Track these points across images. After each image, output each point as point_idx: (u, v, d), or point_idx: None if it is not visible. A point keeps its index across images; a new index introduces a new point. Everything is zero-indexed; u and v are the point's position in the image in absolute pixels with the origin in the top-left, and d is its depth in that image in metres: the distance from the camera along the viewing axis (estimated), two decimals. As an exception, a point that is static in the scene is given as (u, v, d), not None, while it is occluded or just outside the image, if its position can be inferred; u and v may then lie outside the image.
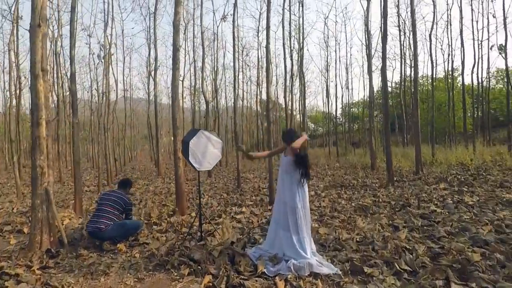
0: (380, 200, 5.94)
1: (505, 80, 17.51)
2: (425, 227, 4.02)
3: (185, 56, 20.25)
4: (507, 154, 12.35)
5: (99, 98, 19.75)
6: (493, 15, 14.35)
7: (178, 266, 3.05)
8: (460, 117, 19.06)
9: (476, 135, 19.71)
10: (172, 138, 5.42)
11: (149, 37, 18.00)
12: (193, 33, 18.80)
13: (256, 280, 2.66)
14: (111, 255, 3.55)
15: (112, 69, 17.17)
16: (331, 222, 4.51)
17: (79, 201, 5.76)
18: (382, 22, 7.83)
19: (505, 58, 13.76)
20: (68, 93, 17.77)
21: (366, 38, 11.13)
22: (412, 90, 12.14)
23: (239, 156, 9.73)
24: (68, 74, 18.22)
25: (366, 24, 11.16)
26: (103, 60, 12.39)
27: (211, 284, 2.66)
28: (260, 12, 19.03)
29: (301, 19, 18.40)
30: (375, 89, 26.75)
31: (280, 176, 3.14)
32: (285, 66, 14.03)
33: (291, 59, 17.63)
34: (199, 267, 2.96)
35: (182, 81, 21.97)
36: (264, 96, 25.26)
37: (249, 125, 31.58)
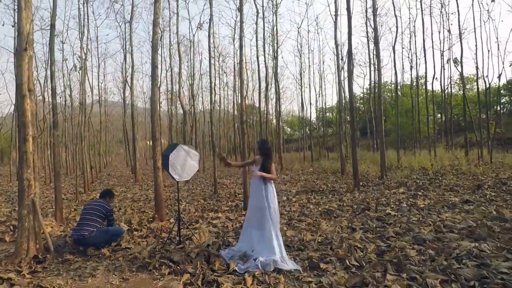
0: (344, 205, 6.55)
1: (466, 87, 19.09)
2: (378, 229, 4.62)
3: (161, 63, 20.37)
4: (464, 159, 13.56)
5: (72, 105, 19.43)
6: (447, 30, 15.64)
7: (159, 267, 3.42)
8: (425, 122, 20.45)
9: (440, 139, 21.28)
10: (150, 143, 5.68)
11: (124, 43, 18.04)
12: (169, 40, 18.99)
13: (228, 277, 3.09)
14: (96, 259, 3.85)
15: (88, 77, 17.08)
16: (298, 225, 5.03)
17: (60, 210, 5.94)
18: (347, 42, 8.56)
19: (461, 71, 15.09)
20: (40, 96, 17.46)
21: (336, 52, 11.91)
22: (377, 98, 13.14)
23: (215, 163, 10.12)
24: (40, 79, 17.88)
25: (335, 38, 11.95)
26: (80, 72, 12.38)
27: (189, 281, 3.06)
28: (235, 21, 19.55)
29: (275, 28, 19.18)
30: (347, 95, 28.05)
31: (251, 183, 3.61)
32: (259, 75, 14.54)
33: (266, 66, 18.32)
34: (178, 267, 3.35)
35: (159, 87, 22.05)
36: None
37: (226, 130, 31.94)
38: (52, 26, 6.39)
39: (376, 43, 10.05)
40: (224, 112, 29.91)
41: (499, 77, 13.86)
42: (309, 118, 28.40)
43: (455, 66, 14.98)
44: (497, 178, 8.61)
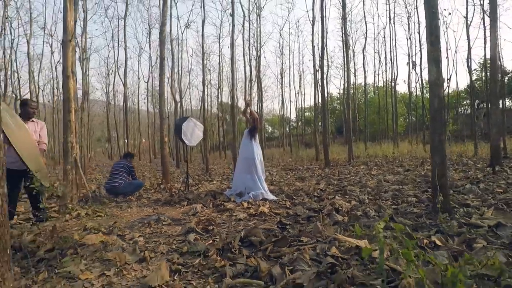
0: (315, 175, 8.09)
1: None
2: (337, 183, 6.16)
3: (150, 59, 21.34)
4: (423, 148, 15.58)
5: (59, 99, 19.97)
6: (407, 38, 17.72)
7: (179, 202, 4.75)
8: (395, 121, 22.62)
9: (407, 136, 23.53)
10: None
11: (116, 39, 18.86)
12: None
13: (230, 203, 4.48)
14: (126, 203, 5.11)
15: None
16: (278, 184, 6.48)
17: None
18: (320, 49, 10.15)
19: (420, 74, 17.17)
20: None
21: (313, 56, 13.49)
22: (350, 96, 14.85)
23: (207, 146, 11.42)
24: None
25: (312, 43, 13.54)
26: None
27: (203, 206, 4.41)
28: (221, 21, 20.86)
29: (259, 29, 20.65)
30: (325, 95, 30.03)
31: (242, 142, 5.04)
32: (245, 74, 15.93)
33: (250, 65, 19.72)
34: (193, 202, 4.69)
35: (147, 82, 22.92)
36: (223, 99, 27.02)
37: (209, 126, 33.06)
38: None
39: (346, 48, 11.73)
40: (206, 111, 31.00)
41: (449, 79, 15.90)
42: (289, 117, 30.09)
43: (414, 69, 17.00)
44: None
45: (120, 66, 22.92)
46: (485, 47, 12.30)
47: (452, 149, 14.80)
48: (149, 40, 23.63)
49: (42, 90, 22.00)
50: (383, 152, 14.77)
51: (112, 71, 22.69)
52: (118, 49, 25.74)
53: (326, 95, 10.69)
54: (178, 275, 2.07)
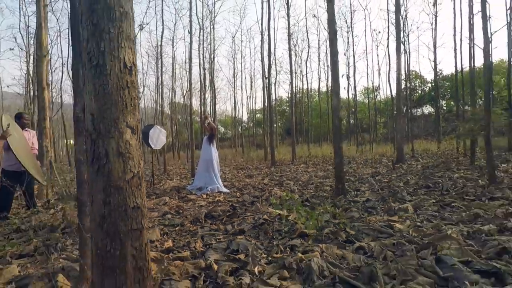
0: (262, 173, 9.51)
1: (370, 96, 24.43)
2: (278, 178, 7.62)
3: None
4: (356, 150, 18.05)
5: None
6: (346, 50, 20.27)
7: (148, 196, 5.75)
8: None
9: (349, 138, 26.48)
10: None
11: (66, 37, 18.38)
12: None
13: (192, 195, 5.62)
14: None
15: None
16: (230, 181, 7.74)
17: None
18: (267, 58, 11.63)
19: (354, 85, 19.76)
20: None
21: (262, 63, 15.00)
22: (293, 103, 16.64)
23: (165, 149, 12.20)
24: None
25: (262, 51, 15.03)
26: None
27: (170, 198, 5.48)
28: (174, 24, 21.46)
29: (213, 35, 21.70)
30: (273, 98, 32.19)
31: (202, 146, 6.21)
32: (200, 78, 16.89)
33: (204, 69, 20.67)
34: (161, 195, 5.73)
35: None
36: (176, 100, 27.43)
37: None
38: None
39: (290, 60, 13.42)
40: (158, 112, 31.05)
41: (377, 89, 18.70)
42: (241, 118, 31.50)
43: (348, 80, 19.54)
44: (363, 156, 12.71)
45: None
46: (405, 62, 15.00)
47: (377, 150, 17.47)
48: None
49: None
50: (322, 152, 16.87)
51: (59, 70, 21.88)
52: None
53: (272, 101, 12.22)
54: (166, 235, 3.21)
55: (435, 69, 15.87)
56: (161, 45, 13.79)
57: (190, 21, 9.33)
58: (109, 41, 1.04)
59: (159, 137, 6.55)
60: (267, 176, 8.34)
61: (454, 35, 11.81)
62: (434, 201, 3.99)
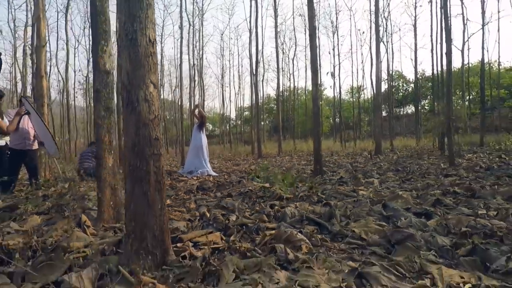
0: (249, 163, 10.02)
1: (355, 95, 25.29)
2: (263, 166, 8.13)
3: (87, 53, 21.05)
4: (340, 145, 18.78)
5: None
6: (332, 49, 20.99)
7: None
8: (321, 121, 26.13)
9: (334, 135, 27.30)
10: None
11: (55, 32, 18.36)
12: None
13: (183, 178, 6.06)
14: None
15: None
16: (219, 168, 8.21)
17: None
18: (255, 57, 12.14)
19: (339, 84, 20.48)
20: None
21: (250, 61, 15.47)
22: (280, 100, 17.21)
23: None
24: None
25: (250, 50, 15.52)
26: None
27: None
28: (163, 20, 21.63)
29: (201, 32, 22.04)
30: (262, 95, 32.81)
31: (193, 134, 6.66)
32: (190, 74, 17.22)
33: (193, 65, 21.02)
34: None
35: (88, 78, 22.54)
36: (164, 96, 27.58)
37: (150, 124, 33.02)
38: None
39: (277, 59, 13.96)
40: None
41: (363, 88, 19.49)
42: (229, 115, 31.92)
43: (332, 79, 20.26)
44: (346, 151, 13.39)
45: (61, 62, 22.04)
46: (387, 62, 15.77)
47: (360, 145, 18.25)
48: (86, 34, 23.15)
49: None
50: (308, 147, 17.50)
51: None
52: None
53: (259, 99, 12.73)
54: (163, 202, 3.66)
55: (415, 69, 16.72)
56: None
57: (181, 17, 9.74)
58: (139, 23, 1.51)
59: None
60: (254, 165, 8.84)
61: (431, 36, 12.62)
62: (398, 178, 4.58)
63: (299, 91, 37.26)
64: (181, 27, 9.47)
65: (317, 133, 5.19)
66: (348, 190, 3.65)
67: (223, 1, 40.29)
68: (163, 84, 24.51)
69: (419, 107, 20.16)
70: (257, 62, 12.41)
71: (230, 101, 28.26)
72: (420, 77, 24.56)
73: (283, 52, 22.59)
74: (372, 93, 29.84)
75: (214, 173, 6.45)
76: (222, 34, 36.96)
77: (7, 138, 4.65)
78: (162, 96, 24.07)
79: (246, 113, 40.68)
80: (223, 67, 27.83)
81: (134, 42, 1.50)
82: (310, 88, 29.04)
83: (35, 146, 4.84)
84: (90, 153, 6.67)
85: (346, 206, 2.80)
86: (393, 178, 4.70)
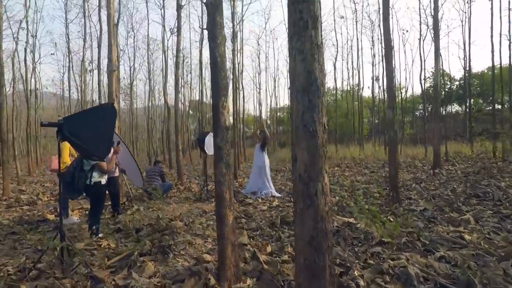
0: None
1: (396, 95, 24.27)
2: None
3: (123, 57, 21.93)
4: (384, 151, 18.08)
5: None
6: (370, 48, 20.20)
7: (207, 199, 6.25)
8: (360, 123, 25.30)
9: (374, 138, 26.38)
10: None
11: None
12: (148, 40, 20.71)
13: (247, 199, 6.07)
14: (163, 201, 6.49)
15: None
16: (275, 184, 8.17)
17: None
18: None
19: (383, 85, 19.70)
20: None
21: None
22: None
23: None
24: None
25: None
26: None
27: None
28: (201, 29, 21.91)
29: (241, 36, 22.16)
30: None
31: (255, 154, 6.67)
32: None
33: (228, 70, 21.19)
34: (219, 198, 6.21)
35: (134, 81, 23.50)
36: (194, 97, 28.09)
37: (180, 125, 33.91)
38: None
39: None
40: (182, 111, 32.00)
41: (406, 89, 18.60)
42: (265, 117, 31.89)
43: (377, 82, 19.51)
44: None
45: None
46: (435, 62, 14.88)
47: (407, 152, 17.42)
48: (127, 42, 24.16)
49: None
50: (351, 154, 17.02)
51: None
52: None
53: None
54: (252, 239, 3.65)
55: (468, 66, 15.65)
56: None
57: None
58: (317, 113, 1.45)
59: (210, 143, 7.03)
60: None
61: (491, 28, 11.73)
62: (491, 212, 4.25)
63: (333, 91, 36.51)
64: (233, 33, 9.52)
65: (394, 160, 4.94)
66: (449, 232, 3.42)
67: (259, 5, 40.08)
68: (195, 86, 25.06)
69: (470, 106, 18.79)
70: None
71: (267, 104, 28.06)
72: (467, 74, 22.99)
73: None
74: (413, 92, 28.51)
75: (277, 194, 6.40)
76: (258, 39, 37.13)
77: (106, 176, 4.89)
78: (191, 97, 24.58)
79: (279, 114, 40.47)
80: (259, 70, 27.83)
81: (314, 133, 1.44)
82: (345, 88, 28.29)
83: (117, 173, 5.05)
84: (157, 172, 6.89)
85: (468, 263, 2.60)
86: (483, 210, 4.37)
